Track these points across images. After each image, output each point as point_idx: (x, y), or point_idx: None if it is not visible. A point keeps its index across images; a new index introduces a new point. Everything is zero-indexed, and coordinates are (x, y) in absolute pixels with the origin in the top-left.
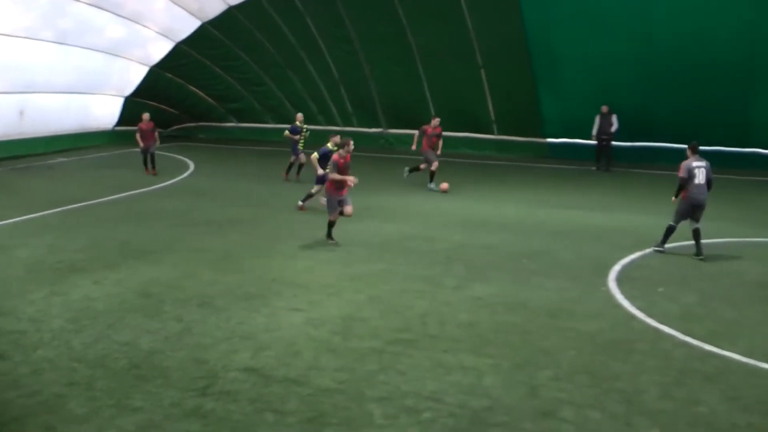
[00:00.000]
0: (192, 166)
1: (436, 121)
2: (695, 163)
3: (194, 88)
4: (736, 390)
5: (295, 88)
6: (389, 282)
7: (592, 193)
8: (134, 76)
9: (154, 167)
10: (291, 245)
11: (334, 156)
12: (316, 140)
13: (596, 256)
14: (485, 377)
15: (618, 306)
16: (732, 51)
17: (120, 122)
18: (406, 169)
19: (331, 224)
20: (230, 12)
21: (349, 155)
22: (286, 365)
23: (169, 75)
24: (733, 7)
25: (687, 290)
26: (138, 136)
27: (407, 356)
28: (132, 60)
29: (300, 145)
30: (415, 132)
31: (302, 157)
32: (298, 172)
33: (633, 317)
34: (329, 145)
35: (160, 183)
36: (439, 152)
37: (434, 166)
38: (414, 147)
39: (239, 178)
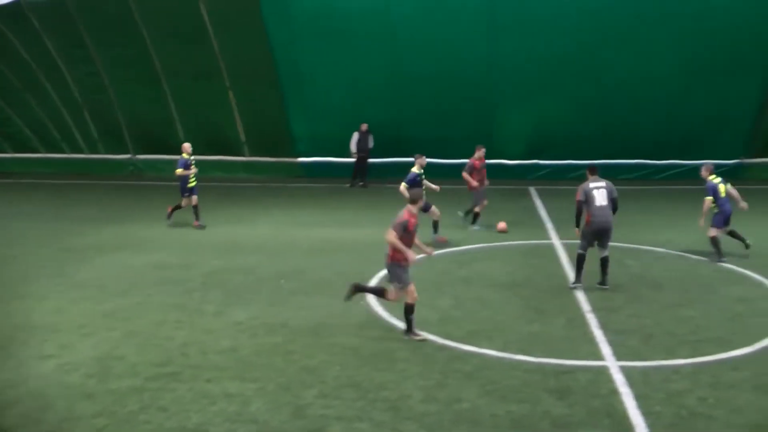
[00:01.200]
0: None
1: (482, 152)
2: (593, 185)
3: None
4: (495, 383)
5: (35, 112)
6: (145, 315)
7: (346, 209)
8: None
9: None
10: (40, 285)
11: (405, 215)
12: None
13: (353, 272)
14: (251, 402)
15: (378, 318)
16: (473, 71)
17: None
18: (461, 213)
19: (411, 309)
20: None
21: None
22: (37, 421)
23: None
24: (474, 31)
25: (442, 296)
26: None
27: (169, 391)
28: None
29: (191, 182)
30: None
31: (194, 199)
32: (197, 218)
33: (393, 328)
34: (415, 169)
35: None
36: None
37: (483, 206)
38: (474, 185)
39: None
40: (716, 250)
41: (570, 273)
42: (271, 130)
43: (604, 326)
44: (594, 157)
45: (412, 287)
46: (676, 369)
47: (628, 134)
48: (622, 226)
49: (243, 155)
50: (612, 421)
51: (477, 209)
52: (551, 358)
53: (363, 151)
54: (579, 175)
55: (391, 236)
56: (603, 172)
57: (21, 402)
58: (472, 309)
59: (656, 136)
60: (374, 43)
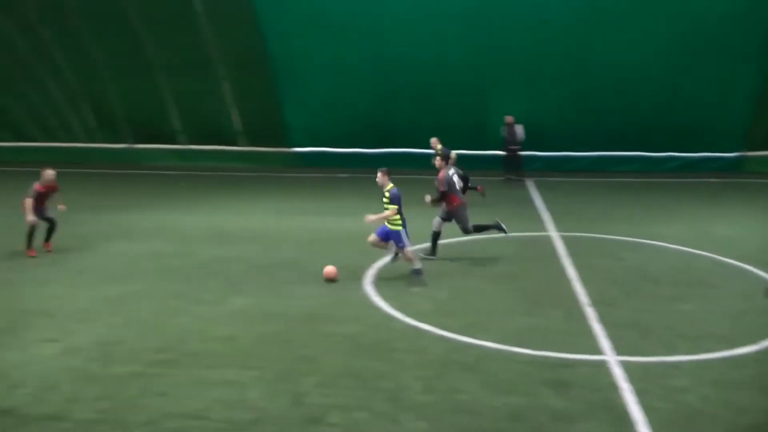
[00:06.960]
0: None
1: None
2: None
3: None
4: (493, 375)
5: (32, 102)
6: (145, 302)
7: (341, 199)
8: None
9: None
10: (40, 272)
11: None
12: None
13: (350, 261)
14: (249, 390)
15: (375, 308)
16: (463, 58)
17: None
18: None
19: None
20: None
21: None
22: (43, 401)
23: None
24: (460, 18)
25: (439, 288)
26: None
27: (168, 376)
28: None
29: None
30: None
31: None
32: None
33: (391, 317)
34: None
35: None
36: None
37: None
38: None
39: None
40: None
41: (569, 265)
42: (264, 120)
43: (602, 320)
44: (589, 148)
45: None
46: (676, 365)
47: (623, 125)
48: (619, 220)
49: (237, 145)
50: (612, 416)
51: None
52: (549, 352)
53: (514, 144)
54: (574, 167)
55: None
56: (598, 165)
57: (28, 382)
58: (469, 301)
59: (651, 127)
60: (361, 36)
